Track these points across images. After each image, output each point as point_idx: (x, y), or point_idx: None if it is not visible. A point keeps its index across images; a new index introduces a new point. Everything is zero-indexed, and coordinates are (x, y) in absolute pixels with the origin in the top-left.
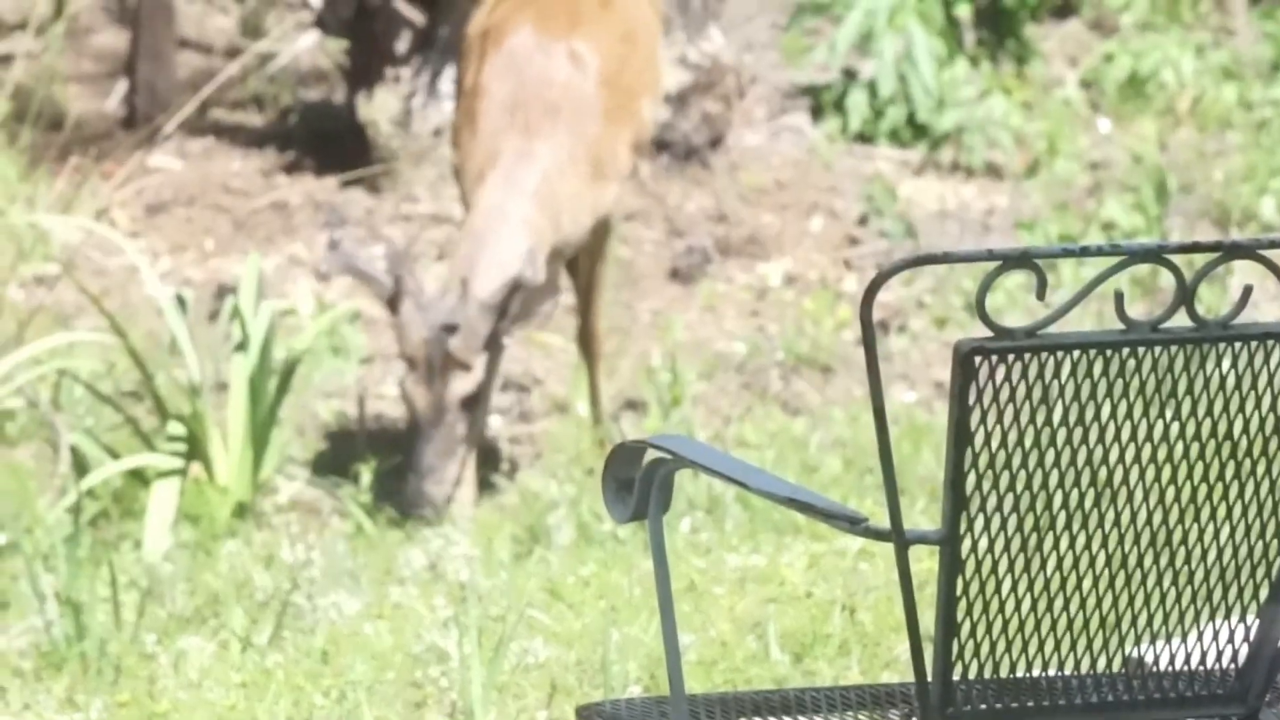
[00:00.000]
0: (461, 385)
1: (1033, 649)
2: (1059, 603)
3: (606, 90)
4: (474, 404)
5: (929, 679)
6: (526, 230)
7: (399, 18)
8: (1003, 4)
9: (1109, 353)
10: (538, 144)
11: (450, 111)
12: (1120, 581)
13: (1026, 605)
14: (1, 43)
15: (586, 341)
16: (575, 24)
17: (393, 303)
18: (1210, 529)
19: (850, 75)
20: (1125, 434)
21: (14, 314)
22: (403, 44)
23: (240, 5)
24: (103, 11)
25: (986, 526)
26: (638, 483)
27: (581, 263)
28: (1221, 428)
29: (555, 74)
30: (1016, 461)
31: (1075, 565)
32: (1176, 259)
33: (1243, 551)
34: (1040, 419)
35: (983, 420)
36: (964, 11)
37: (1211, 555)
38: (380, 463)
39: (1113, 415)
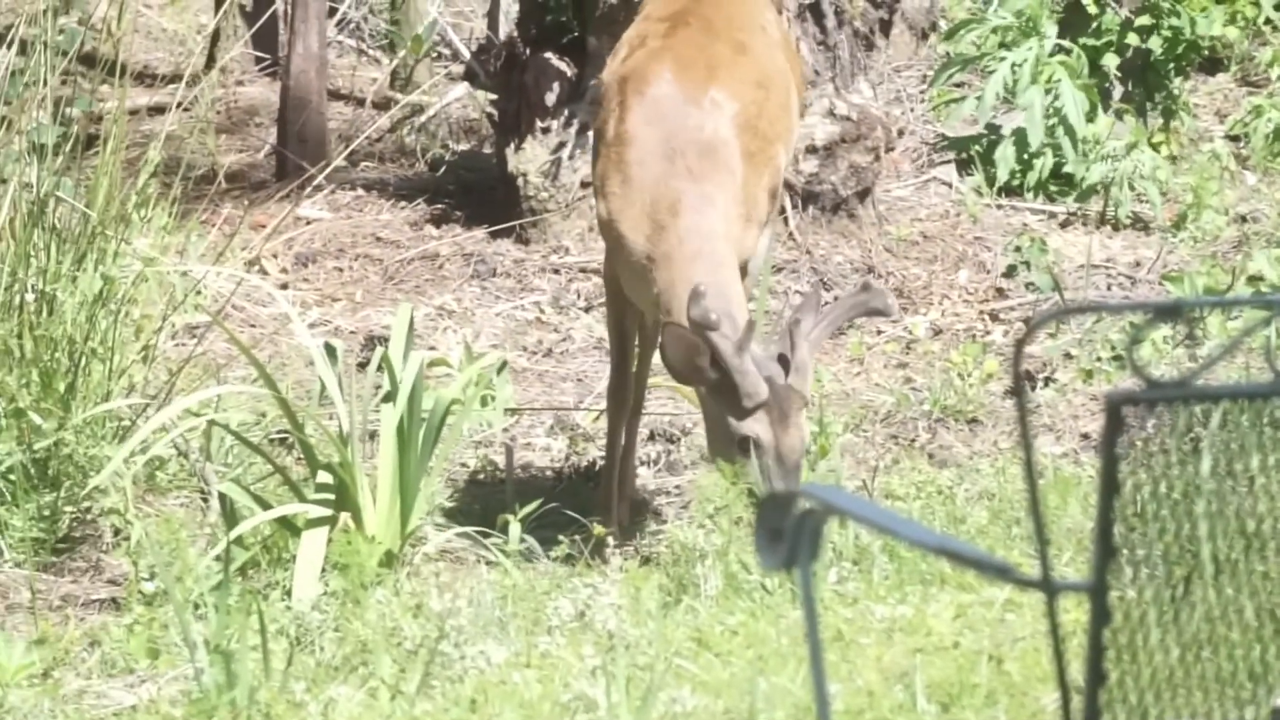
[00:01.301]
0: (807, 426)
1: (1180, 699)
2: (1206, 653)
3: (747, 135)
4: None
5: None
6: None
7: (548, 69)
8: (1151, 58)
9: (1258, 404)
10: (708, 187)
11: None
12: (1268, 632)
13: (1174, 655)
14: (154, 94)
15: None
16: (713, 71)
17: (738, 349)
18: None
19: (998, 128)
20: (1274, 485)
21: (165, 364)
22: (552, 95)
23: (391, 57)
24: (254, 63)
25: (1135, 576)
26: (788, 532)
27: None
28: None
29: (703, 120)
30: (1165, 512)
31: (1223, 616)
32: None
33: None
34: (1189, 470)
35: (1132, 470)
36: (1111, 64)
37: None
38: (528, 512)
39: (1261, 466)
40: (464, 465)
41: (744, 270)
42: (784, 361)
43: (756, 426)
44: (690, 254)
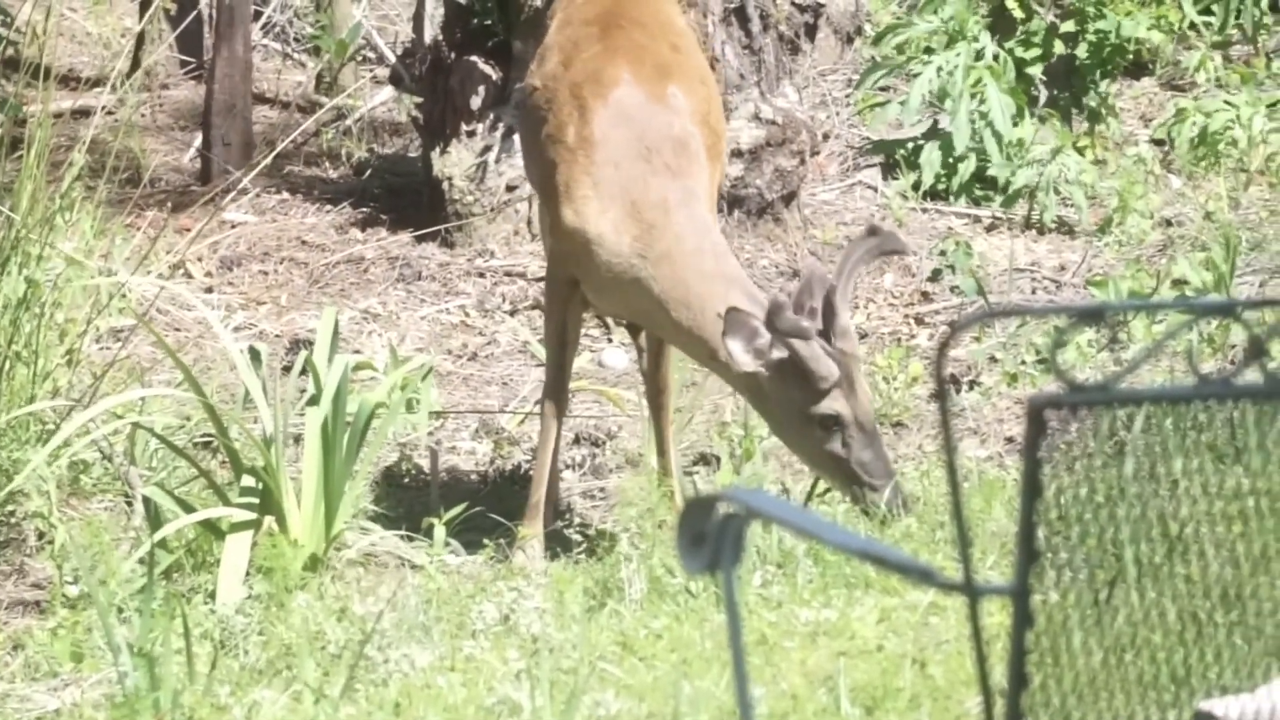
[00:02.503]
0: (868, 389)
1: (1103, 703)
2: (1129, 656)
3: (704, 130)
4: None
5: None
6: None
7: (473, 73)
8: (1077, 62)
9: (1181, 407)
10: (689, 182)
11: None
12: (1191, 635)
13: (1097, 659)
14: (79, 97)
15: (658, 396)
16: (664, 69)
17: (805, 335)
18: None
19: (924, 132)
20: (1196, 488)
21: (90, 367)
22: (477, 99)
23: (316, 61)
24: (179, 67)
25: (1058, 580)
26: (711, 536)
27: None
28: None
29: (670, 117)
30: (1088, 515)
31: (1146, 619)
32: (1248, 315)
33: None
34: (1112, 473)
35: (1054, 474)
36: (1037, 69)
37: None
38: (453, 516)
39: (1184, 470)
40: (389, 469)
41: None
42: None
43: (834, 404)
44: (692, 249)
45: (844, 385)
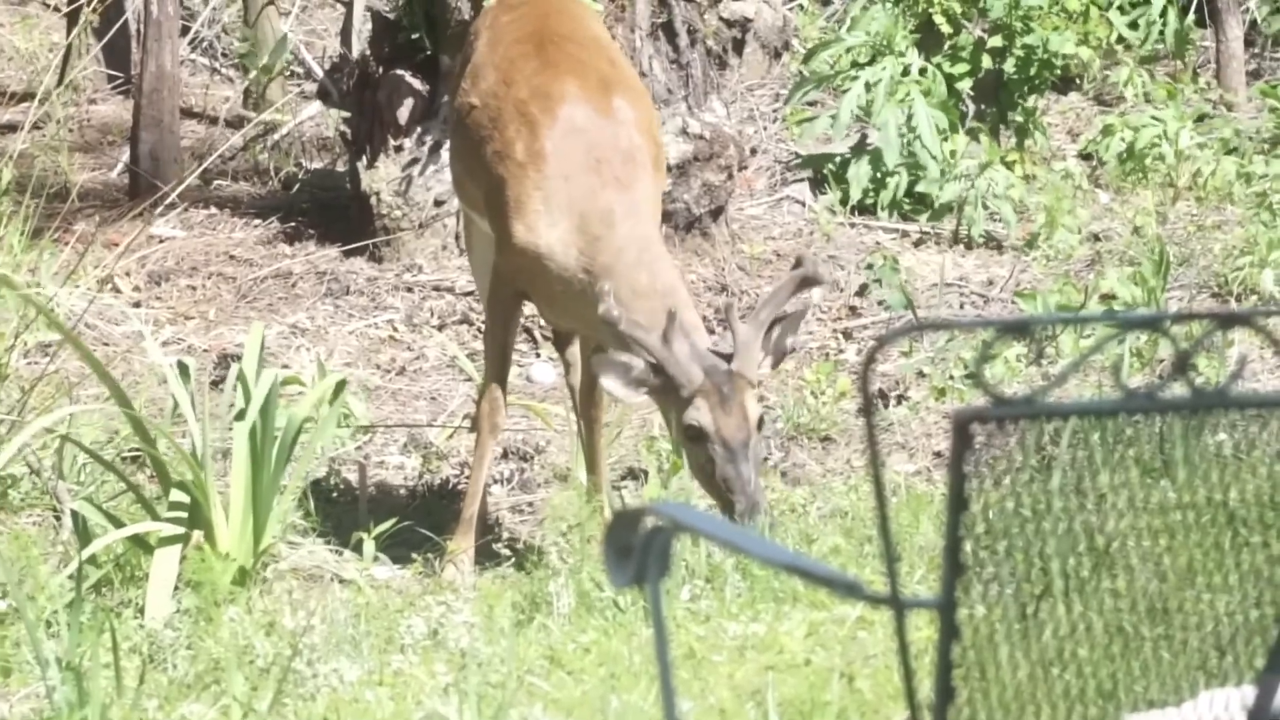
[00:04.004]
0: (755, 406)
1: (1030, 716)
2: (1056, 670)
3: (648, 141)
4: (762, 423)
5: None
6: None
7: (401, 87)
8: (1005, 77)
9: (1107, 421)
10: (635, 195)
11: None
12: (1118, 649)
13: (1023, 672)
14: (6, 112)
15: (587, 410)
16: (606, 82)
17: (664, 341)
18: (1207, 598)
19: (852, 147)
20: (1123, 502)
21: (17, 382)
22: (404, 113)
23: (244, 76)
24: (107, 81)
25: (984, 593)
26: (637, 549)
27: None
28: (1218, 496)
29: (617, 129)
30: (1014, 529)
31: (1072, 633)
32: (1174, 329)
33: (1239, 620)
34: (1038, 487)
35: (980, 488)
36: (966, 84)
37: (1209, 624)
38: (382, 530)
39: (1110, 483)
40: (318, 483)
41: None
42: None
43: (696, 414)
44: (631, 263)
45: (711, 398)
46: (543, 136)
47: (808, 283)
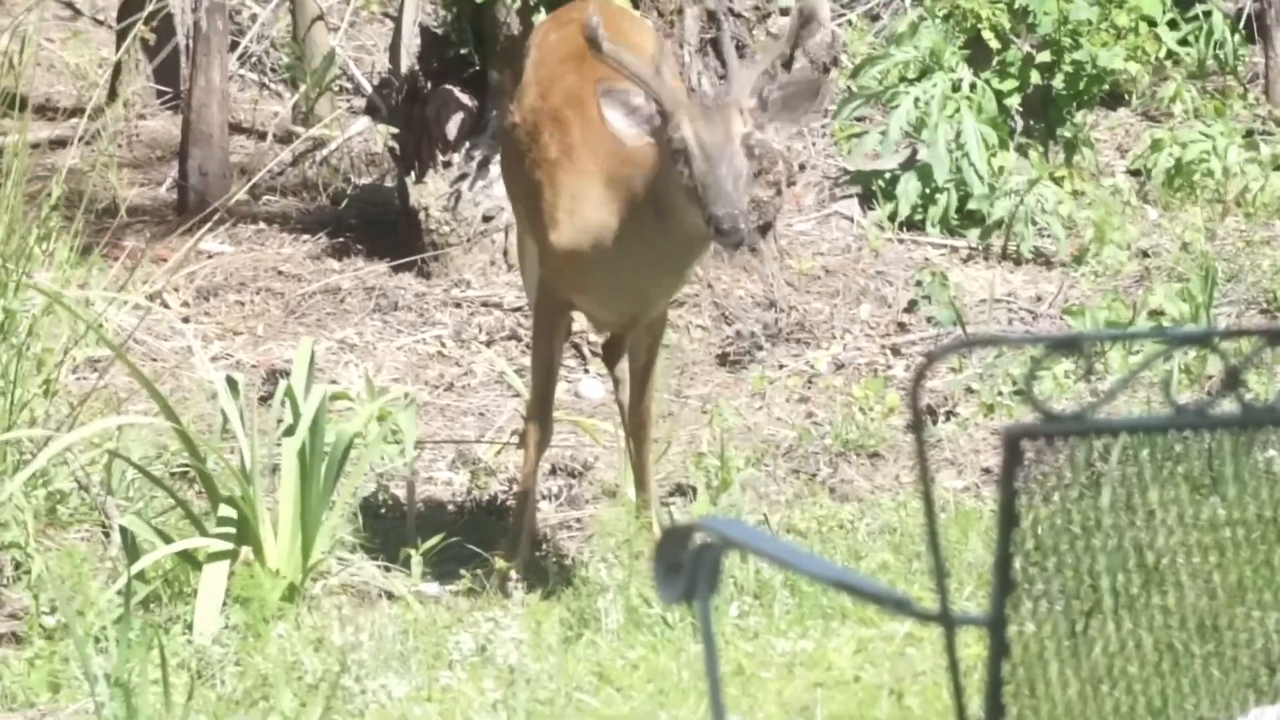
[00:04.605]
0: (740, 124)
1: None
2: (1106, 687)
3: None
4: (751, 151)
5: None
6: None
7: (450, 102)
8: (1053, 93)
9: (1156, 438)
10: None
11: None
12: (1167, 666)
13: (1073, 690)
14: (56, 128)
15: (636, 426)
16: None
17: (654, 68)
18: (1257, 615)
19: (901, 163)
20: (1172, 519)
21: (67, 398)
22: (453, 129)
23: (293, 91)
24: (156, 97)
25: (1034, 610)
26: (687, 565)
27: (638, 344)
28: (1268, 512)
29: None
30: (1064, 545)
31: (1122, 650)
32: (1224, 346)
33: None
34: (1087, 503)
35: (1030, 504)
36: (1015, 100)
37: (1258, 641)
38: (430, 546)
39: (1160, 500)
40: (366, 499)
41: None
42: None
43: (677, 130)
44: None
45: (692, 110)
46: (573, 132)
47: (807, 22)
